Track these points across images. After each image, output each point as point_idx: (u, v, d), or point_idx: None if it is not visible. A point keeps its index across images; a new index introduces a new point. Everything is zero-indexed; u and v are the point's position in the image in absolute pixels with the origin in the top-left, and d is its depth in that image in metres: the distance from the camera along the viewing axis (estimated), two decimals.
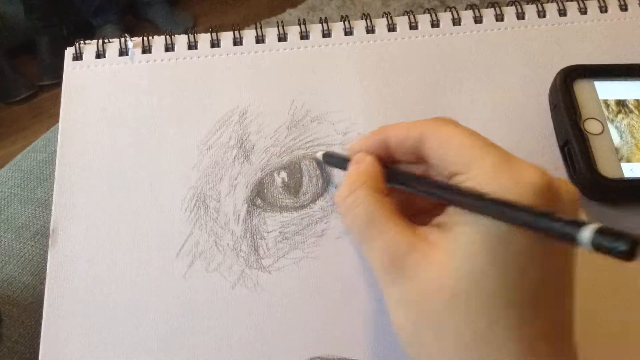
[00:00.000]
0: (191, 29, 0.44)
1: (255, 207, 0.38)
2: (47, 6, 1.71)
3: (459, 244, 0.25)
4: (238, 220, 0.37)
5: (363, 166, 0.30)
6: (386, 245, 0.26)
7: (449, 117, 0.29)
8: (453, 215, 0.26)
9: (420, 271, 0.25)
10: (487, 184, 0.24)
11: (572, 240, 0.20)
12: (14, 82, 1.71)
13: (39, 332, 0.35)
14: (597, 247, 0.20)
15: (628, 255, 0.19)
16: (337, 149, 0.39)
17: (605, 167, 0.36)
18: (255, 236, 0.37)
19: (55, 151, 0.50)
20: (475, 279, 0.24)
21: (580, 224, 0.20)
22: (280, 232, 0.37)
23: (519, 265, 0.24)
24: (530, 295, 0.24)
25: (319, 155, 0.38)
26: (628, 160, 0.36)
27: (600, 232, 0.20)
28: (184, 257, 0.36)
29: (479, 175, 0.25)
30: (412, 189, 0.29)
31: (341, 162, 0.34)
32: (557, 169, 0.38)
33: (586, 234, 0.20)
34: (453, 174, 0.27)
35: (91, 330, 0.35)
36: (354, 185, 0.29)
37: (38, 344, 0.35)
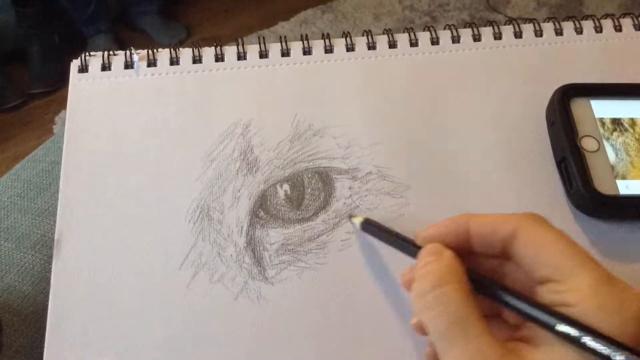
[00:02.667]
0: (184, 40, 0.45)
1: (258, 219, 0.38)
2: (38, 14, 1.70)
3: None
4: (241, 232, 0.38)
5: (447, 260, 0.28)
6: (473, 354, 0.24)
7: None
8: (541, 330, 0.25)
9: None
10: (588, 302, 0.24)
11: None
12: (4, 90, 1.69)
13: (40, 341, 0.35)
14: None
15: None
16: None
17: (601, 184, 0.37)
18: (258, 248, 0.37)
19: (54, 161, 0.51)
20: None
21: None
22: (282, 244, 0.37)
23: None
24: None
25: (357, 221, 0.36)
26: (623, 178, 0.37)
27: None
28: (188, 268, 0.37)
29: (579, 290, 0.24)
30: (502, 303, 0.27)
31: (384, 234, 0.34)
32: (554, 186, 0.39)
33: None
34: (546, 279, 0.26)
35: (94, 340, 0.35)
36: (440, 281, 0.27)
37: (38, 353, 0.35)
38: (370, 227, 0.35)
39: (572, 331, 0.23)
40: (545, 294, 0.26)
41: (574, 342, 0.23)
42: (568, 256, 0.25)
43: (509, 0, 1.57)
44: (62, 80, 1.72)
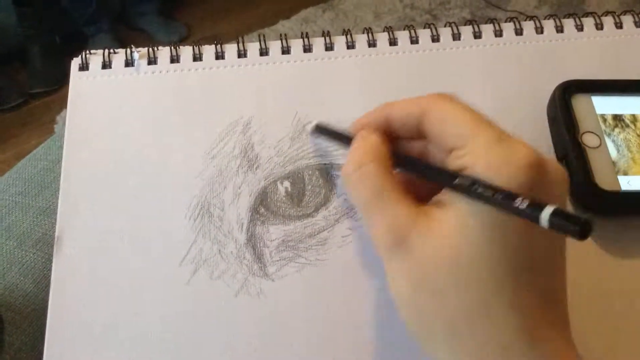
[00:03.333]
0: (184, 40, 0.45)
1: (258, 216, 0.38)
2: (39, 14, 1.71)
3: (459, 219, 0.26)
4: (242, 228, 0.38)
5: (370, 142, 0.31)
6: (390, 219, 0.27)
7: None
8: (449, 193, 0.27)
9: (422, 243, 0.26)
10: (479, 162, 0.26)
11: (536, 220, 0.22)
12: (5, 90, 1.70)
13: (41, 339, 0.35)
14: (553, 227, 0.22)
15: (580, 236, 0.21)
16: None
17: (603, 180, 0.37)
18: (258, 244, 0.37)
19: (55, 159, 0.51)
20: (475, 252, 0.25)
21: (541, 206, 0.22)
22: (283, 241, 0.37)
23: (515, 240, 0.25)
24: (526, 266, 0.25)
25: (310, 127, 0.39)
26: (625, 174, 0.37)
27: (555, 214, 0.22)
28: (188, 265, 0.37)
29: (473, 152, 0.26)
30: (416, 173, 0.30)
31: (333, 136, 0.36)
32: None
33: (545, 215, 0.22)
34: (451, 148, 0.28)
35: (95, 337, 0.35)
36: (362, 161, 0.29)
37: (40, 351, 0.35)
38: (325, 131, 0.38)
39: (464, 181, 0.26)
40: (452, 161, 0.28)
41: (466, 192, 0.25)
42: (466, 122, 0.27)
43: None
44: (62, 80, 1.72)
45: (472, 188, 0.25)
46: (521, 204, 0.23)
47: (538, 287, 0.26)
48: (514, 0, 1.57)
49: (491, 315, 0.25)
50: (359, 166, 0.29)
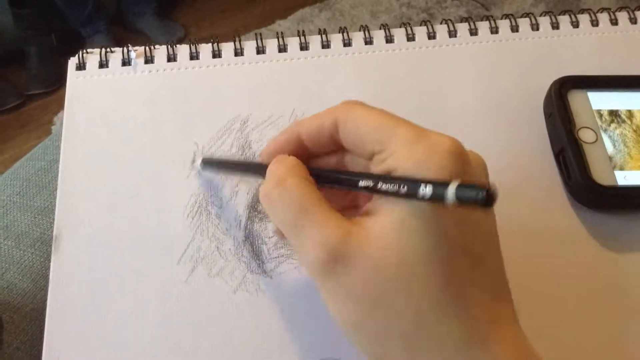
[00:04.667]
0: (182, 40, 0.45)
1: (256, 213, 0.38)
2: (36, 15, 1.70)
3: (392, 223, 0.25)
4: (239, 226, 0.38)
5: (289, 160, 0.29)
6: (321, 236, 0.25)
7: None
8: (376, 200, 0.26)
9: (361, 255, 0.25)
10: (403, 160, 0.25)
11: (442, 199, 0.22)
12: (2, 91, 1.69)
13: (40, 338, 0.35)
14: (460, 200, 0.21)
15: (485, 204, 0.20)
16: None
17: (600, 175, 0.37)
18: (256, 241, 0.37)
19: (53, 159, 0.51)
20: (416, 251, 0.24)
21: (445, 184, 0.22)
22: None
23: (451, 229, 0.25)
24: (468, 252, 0.25)
25: (198, 164, 0.39)
26: (621, 169, 0.37)
27: (460, 189, 0.21)
28: (186, 263, 0.37)
29: (396, 152, 0.26)
30: (337, 184, 0.28)
31: (225, 167, 0.36)
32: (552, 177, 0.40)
33: (450, 192, 0.21)
34: (371, 153, 0.27)
35: (93, 336, 0.35)
36: (283, 177, 0.28)
37: (39, 350, 0.35)
38: (211, 165, 0.37)
39: (368, 181, 0.25)
40: (375, 166, 0.27)
41: (376, 192, 0.25)
42: (382, 124, 0.26)
43: None
44: (60, 81, 1.72)
45: (379, 188, 0.25)
46: (426, 189, 0.23)
47: (483, 272, 0.26)
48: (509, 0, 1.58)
49: (443, 318, 0.24)
50: (280, 182, 0.28)
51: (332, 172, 0.29)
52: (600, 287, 0.36)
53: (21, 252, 0.45)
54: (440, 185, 0.22)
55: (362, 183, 0.26)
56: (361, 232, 0.25)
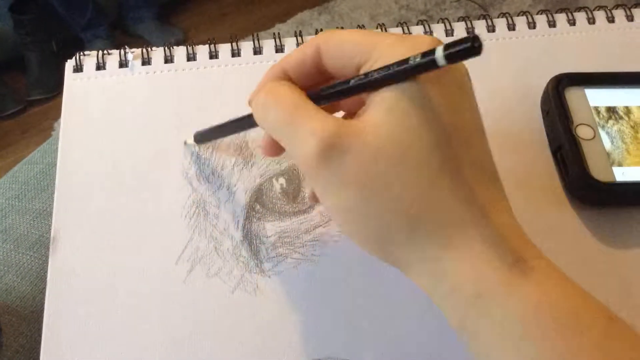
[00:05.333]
0: (181, 44, 0.45)
1: (254, 213, 0.38)
2: (36, 21, 1.71)
3: (376, 114, 0.25)
4: (237, 225, 0.38)
5: (275, 70, 0.30)
6: (315, 126, 0.25)
7: None
8: (368, 101, 0.26)
9: (352, 144, 0.25)
10: (390, 58, 0.25)
11: (434, 64, 0.22)
12: (3, 97, 1.70)
13: (39, 341, 0.35)
14: (450, 57, 0.22)
15: (475, 50, 0.21)
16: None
17: (598, 171, 0.37)
18: (254, 241, 0.37)
19: (51, 162, 0.51)
20: (398, 137, 0.25)
21: (432, 51, 0.22)
22: (279, 237, 0.37)
23: (440, 102, 0.25)
24: (449, 136, 0.25)
25: (190, 141, 0.40)
26: (619, 165, 0.37)
27: (447, 46, 0.22)
28: (184, 263, 0.37)
29: (382, 55, 0.26)
30: (330, 97, 0.28)
31: (218, 132, 0.37)
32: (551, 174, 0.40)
33: (439, 52, 0.22)
34: (357, 66, 0.27)
35: (92, 337, 0.35)
36: (272, 88, 0.28)
37: (38, 353, 0.35)
38: (204, 136, 0.38)
39: (359, 79, 0.26)
40: None
41: (369, 85, 0.25)
42: (364, 37, 0.27)
43: None
44: (60, 87, 1.70)
45: (370, 77, 0.25)
46: (414, 58, 0.23)
47: (475, 152, 0.26)
48: (509, 0, 1.58)
49: (442, 198, 0.25)
50: (270, 91, 0.28)
51: (322, 88, 0.29)
52: (598, 283, 0.36)
53: (20, 255, 0.45)
54: (428, 54, 0.23)
55: (353, 81, 0.26)
56: (355, 123, 0.25)
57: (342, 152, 0.25)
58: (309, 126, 0.26)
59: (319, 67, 0.29)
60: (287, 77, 0.30)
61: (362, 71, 0.27)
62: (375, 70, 0.25)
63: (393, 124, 0.25)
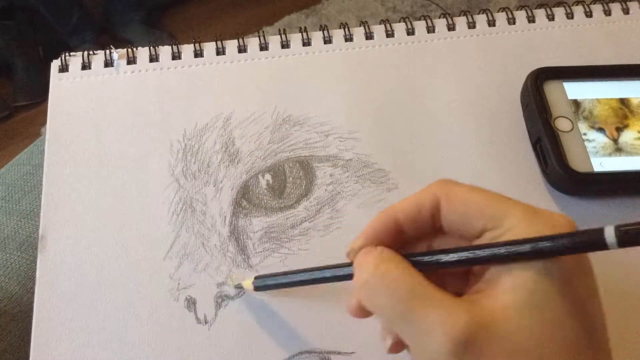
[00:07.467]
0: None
1: (241, 209, 0.39)
2: (22, 27, 1.70)
3: (509, 301, 0.23)
4: (224, 221, 0.38)
5: (378, 251, 0.27)
6: (443, 320, 0.23)
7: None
8: (492, 274, 0.25)
9: (487, 345, 0.23)
10: (525, 232, 0.24)
11: (604, 245, 0.21)
12: None
13: (27, 341, 0.35)
14: (623, 243, 0.20)
15: None
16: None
17: (576, 162, 0.37)
18: (241, 237, 0.38)
19: (38, 164, 0.51)
20: (552, 322, 0.23)
21: (600, 230, 0.21)
22: (266, 232, 0.38)
23: (581, 290, 0.24)
24: (591, 330, 0.24)
25: (246, 285, 0.36)
26: (597, 155, 0.38)
27: (619, 230, 0.20)
28: (172, 259, 0.37)
29: (515, 226, 0.24)
30: (445, 265, 0.26)
31: (279, 281, 0.34)
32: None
33: (610, 235, 0.21)
34: (481, 231, 0.26)
35: (81, 334, 0.35)
36: (377, 264, 0.26)
37: (26, 353, 0.35)
38: (267, 280, 0.34)
39: (523, 247, 0.23)
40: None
41: (526, 255, 0.23)
42: (493, 202, 0.25)
43: None
44: (47, 92, 1.71)
45: (534, 248, 0.23)
46: (580, 237, 0.22)
47: (606, 354, 0.25)
48: (494, 0, 1.59)
49: None
50: (377, 268, 0.25)
51: (432, 252, 0.26)
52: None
53: (7, 255, 0.45)
54: (595, 232, 0.21)
55: (483, 252, 0.24)
56: (485, 314, 0.23)
57: (475, 355, 0.23)
58: (433, 322, 0.23)
59: (434, 219, 0.27)
60: (397, 227, 0.28)
61: (488, 239, 0.25)
62: (512, 242, 0.24)
63: (534, 314, 0.23)
